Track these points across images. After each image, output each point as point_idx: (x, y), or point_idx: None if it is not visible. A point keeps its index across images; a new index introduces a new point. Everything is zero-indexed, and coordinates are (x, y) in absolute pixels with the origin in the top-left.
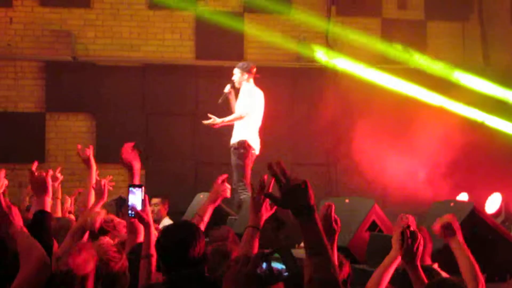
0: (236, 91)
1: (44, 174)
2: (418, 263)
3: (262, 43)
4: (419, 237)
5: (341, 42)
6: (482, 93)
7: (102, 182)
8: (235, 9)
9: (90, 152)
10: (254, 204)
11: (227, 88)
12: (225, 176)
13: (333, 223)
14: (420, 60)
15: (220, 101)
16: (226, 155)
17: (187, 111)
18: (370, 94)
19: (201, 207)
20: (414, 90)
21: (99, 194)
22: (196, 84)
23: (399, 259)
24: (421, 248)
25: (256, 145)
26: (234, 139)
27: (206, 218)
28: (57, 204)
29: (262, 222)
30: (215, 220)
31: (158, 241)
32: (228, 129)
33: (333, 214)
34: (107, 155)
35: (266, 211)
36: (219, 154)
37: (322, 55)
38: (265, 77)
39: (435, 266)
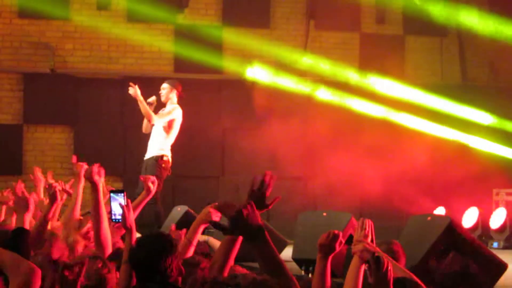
0: (160, 105)
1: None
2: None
3: (241, 57)
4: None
5: (319, 59)
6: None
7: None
8: (214, 23)
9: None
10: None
11: (152, 99)
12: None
13: (338, 244)
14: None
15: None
16: (206, 169)
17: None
18: (350, 109)
19: (190, 230)
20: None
21: (52, 198)
22: None
23: (363, 267)
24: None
25: (170, 160)
26: (154, 153)
27: (195, 242)
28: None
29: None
30: None
31: (131, 250)
32: (209, 144)
33: (340, 236)
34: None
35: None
36: (198, 167)
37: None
38: (243, 90)
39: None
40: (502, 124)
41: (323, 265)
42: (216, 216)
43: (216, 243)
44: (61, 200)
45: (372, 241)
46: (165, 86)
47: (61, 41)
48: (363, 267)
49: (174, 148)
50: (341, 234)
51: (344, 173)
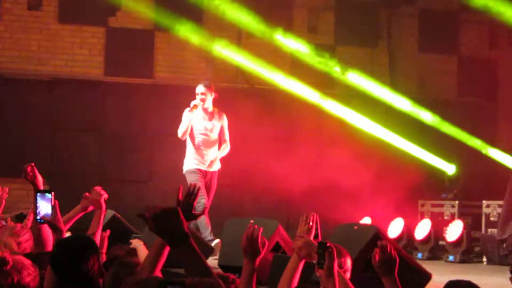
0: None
1: None
2: (336, 273)
3: (172, 61)
4: (333, 249)
5: (251, 62)
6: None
7: None
8: (145, 27)
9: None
10: None
11: (197, 102)
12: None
13: (260, 245)
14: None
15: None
16: (132, 173)
17: (94, 127)
18: (278, 117)
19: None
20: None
21: None
22: (104, 100)
23: (302, 263)
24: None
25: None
26: (219, 165)
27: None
28: None
29: None
30: (119, 238)
31: (52, 252)
32: (137, 149)
33: (260, 236)
34: (10, 169)
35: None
36: (125, 171)
37: (231, 74)
38: (174, 96)
39: None
40: (431, 133)
41: (249, 269)
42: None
43: (143, 253)
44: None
45: (316, 236)
46: (203, 90)
47: None
48: (302, 264)
49: (103, 150)
50: (260, 230)
51: (271, 181)
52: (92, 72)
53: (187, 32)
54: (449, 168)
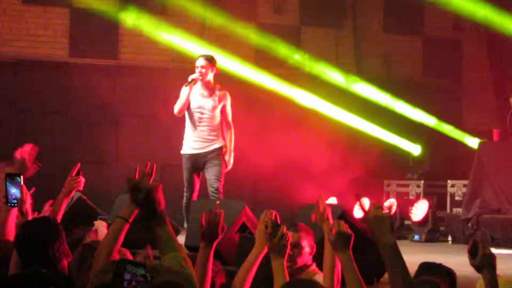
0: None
1: None
2: (285, 261)
3: (137, 42)
4: (285, 231)
5: (217, 41)
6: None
7: None
8: (110, 8)
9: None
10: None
11: (196, 76)
12: (78, 165)
13: (219, 229)
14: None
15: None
16: (98, 154)
17: (60, 109)
18: (245, 94)
19: (55, 202)
20: (292, 92)
21: None
22: (69, 81)
23: (263, 254)
24: (287, 244)
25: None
26: (219, 144)
27: (60, 215)
28: None
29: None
30: (85, 220)
31: (16, 236)
32: (103, 130)
33: (221, 221)
34: None
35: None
36: (91, 152)
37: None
38: (139, 77)
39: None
40: (396, 114)
41: (206, 252)
42: (80, 186)
43: (103, 235)
44: None
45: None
46: (203, 63)
47: None
48: (260, 258)
49: (68, 132)
50: (222, 215)
51: (238, 162)
52: (56, 53)
53: (153, 12)
54: (415, 149)
